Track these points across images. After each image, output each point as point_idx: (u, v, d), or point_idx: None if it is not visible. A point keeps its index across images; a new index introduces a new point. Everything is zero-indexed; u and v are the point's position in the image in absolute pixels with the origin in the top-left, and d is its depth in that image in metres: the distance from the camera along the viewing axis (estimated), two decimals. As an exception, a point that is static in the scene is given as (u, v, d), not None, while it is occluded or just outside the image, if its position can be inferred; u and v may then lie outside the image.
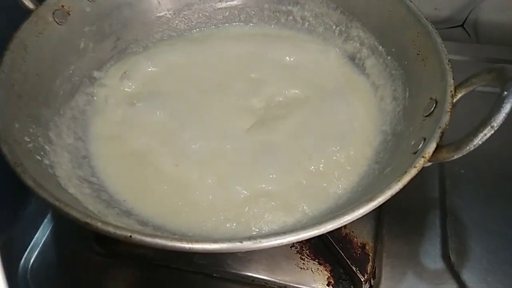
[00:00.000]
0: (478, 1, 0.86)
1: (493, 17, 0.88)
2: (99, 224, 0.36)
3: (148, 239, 0.36)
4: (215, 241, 0.36)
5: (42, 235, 0.61)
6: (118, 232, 0.37)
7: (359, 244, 0.56)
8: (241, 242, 0.36)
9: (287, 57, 0.69)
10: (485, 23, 0.89)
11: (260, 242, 0.36)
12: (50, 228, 0.62)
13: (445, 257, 0.56)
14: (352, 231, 0.57)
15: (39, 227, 0.62)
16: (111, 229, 0.37)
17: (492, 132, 0.39)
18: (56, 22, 0.58)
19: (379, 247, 0.57)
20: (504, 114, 0.38)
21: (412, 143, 0.47)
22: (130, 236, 0.36)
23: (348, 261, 0.54)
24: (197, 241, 0.36)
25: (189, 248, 0.36)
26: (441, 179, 0.63)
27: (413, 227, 0.59)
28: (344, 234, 0.56)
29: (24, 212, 0.61)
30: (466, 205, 0.61)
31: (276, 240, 0.36)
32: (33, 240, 0.61)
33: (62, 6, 0.59)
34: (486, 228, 0.59)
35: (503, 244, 0.57)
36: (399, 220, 0.60)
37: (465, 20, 0.91)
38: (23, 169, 0.40)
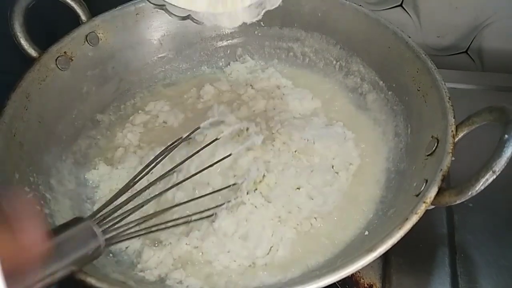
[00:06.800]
0: (480, 28, 0.86)
1: (497, 44, 0.87)
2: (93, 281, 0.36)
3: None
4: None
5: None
6: None
7: (366, 285, 0.54)
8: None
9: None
10: (489, 49, 0.89)
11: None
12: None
13: (456, 297, 0.54)
14: (359, 272, 0.55)
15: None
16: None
17: (494, 177, 0.38)
18: (59, 68, 0.60)
19: (387, 287, 0.55)
20: (505, 159, 0.38)
21: (414, 184, 0.47)
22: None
23: (354, 304, 0.53)
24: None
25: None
26: (449, 214, 0.62)
27: (422, 266, 0.57)
28: (350, 275, 0.55)
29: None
30: (476, 241, 0.59)
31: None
32: None
33: (65, 52, 0.60)
34: (497, 265, 0.56)
35: (515, 282, 0.55)
36: (407, 259, 0.58)
37: (468, 47, 0.90)
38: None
